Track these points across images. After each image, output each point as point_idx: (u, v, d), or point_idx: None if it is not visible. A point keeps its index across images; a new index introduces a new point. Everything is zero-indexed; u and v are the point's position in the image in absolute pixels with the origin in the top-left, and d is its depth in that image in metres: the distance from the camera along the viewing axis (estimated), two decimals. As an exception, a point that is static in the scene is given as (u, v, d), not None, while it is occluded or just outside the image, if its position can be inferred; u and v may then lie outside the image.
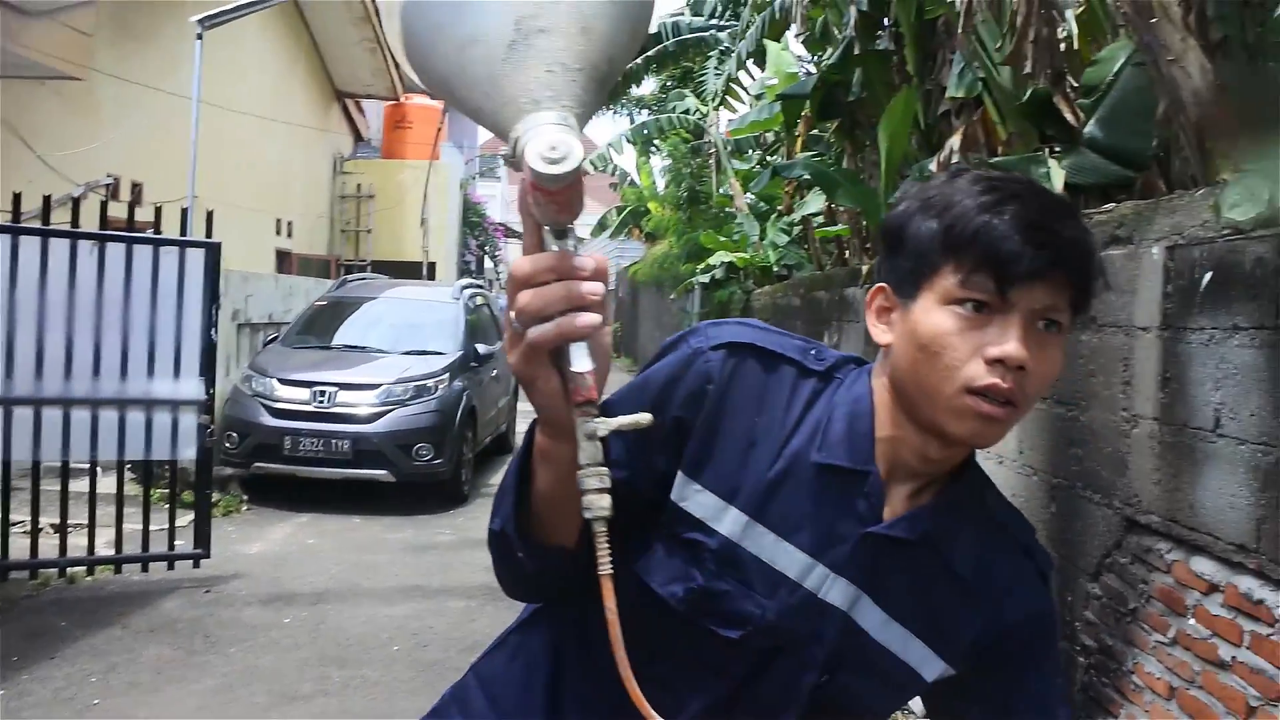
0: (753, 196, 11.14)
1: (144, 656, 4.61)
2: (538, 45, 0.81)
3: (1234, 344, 2.37)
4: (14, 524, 5.45)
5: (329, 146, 17.49)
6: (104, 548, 5.77)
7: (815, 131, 8.06)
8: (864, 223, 6.67)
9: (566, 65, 0.81)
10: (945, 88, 4.79)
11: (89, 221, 5.66)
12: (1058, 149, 3.76)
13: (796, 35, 7.39)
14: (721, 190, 13.49)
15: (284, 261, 15.25)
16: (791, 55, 8.77)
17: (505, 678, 1.23)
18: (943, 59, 5.22)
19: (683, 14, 13.53)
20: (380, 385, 8.05)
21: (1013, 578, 1.16)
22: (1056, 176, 3.47)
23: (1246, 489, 2.31)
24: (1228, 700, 2.37)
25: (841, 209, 7.32)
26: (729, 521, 1.08)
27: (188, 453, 5.74)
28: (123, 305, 5.42)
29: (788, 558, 1.08)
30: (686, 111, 14.12)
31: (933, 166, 4.59)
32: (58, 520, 5.57)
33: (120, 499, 5.69)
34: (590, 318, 0.82)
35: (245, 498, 7.95)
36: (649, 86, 17.58)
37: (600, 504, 0.85)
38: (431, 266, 17.75)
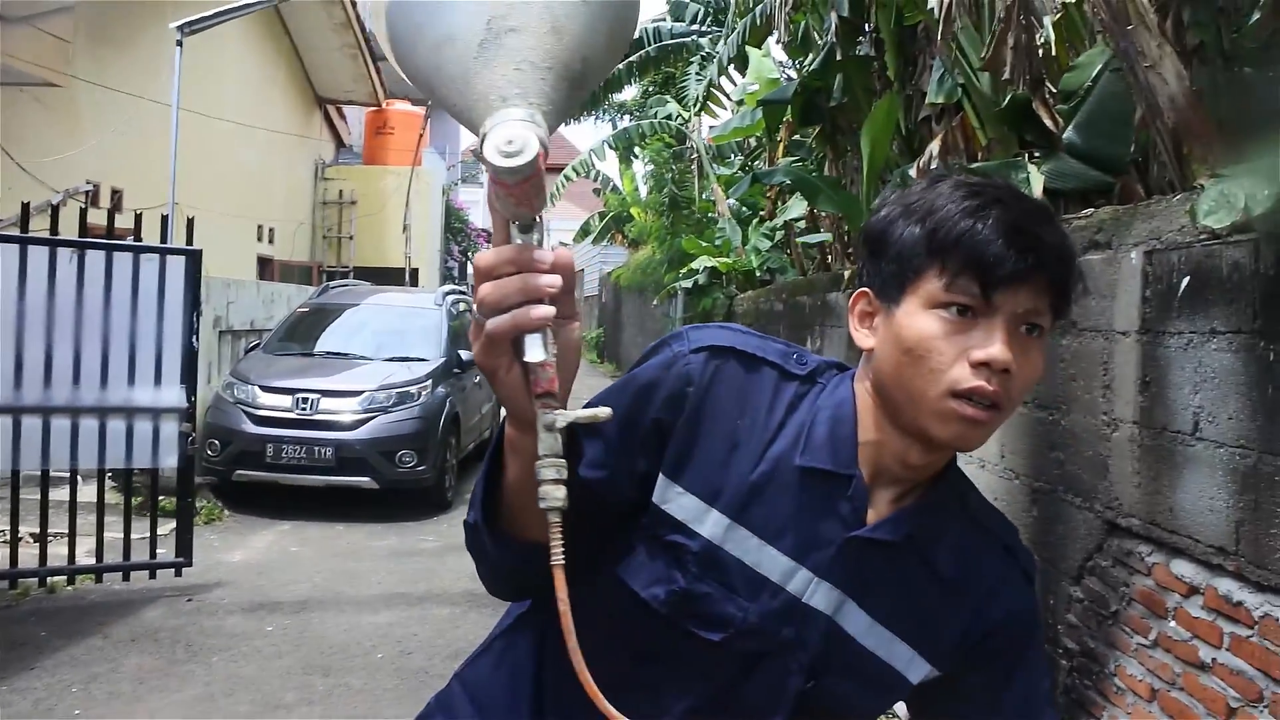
0: (735, 202, 11.16)
1: (125, 666, 4.58)
2: (507, 44, 0.83)
3: (1212, 348, 2.39)
4: (-7, 534, 5.42)
5: (310, 153, 17.45)
6: (85, 556, 5.73)
7: (797, 137, 8.09)
8: (845, 228, 6.69)
9: (535, 64, 0.83)
10: (925, 93, 4.81)
11: (68, 229, 5.64)
12: (1037, 154, 3.79)
13: (778, 41, 7.41)
14: (704, 195, 13.51)
15: (266, 268, 15.20)
16: (773, 61, 8.80)
17: (490, 683, 1.23)
18: (923, 65, 5.25)
19: (664, 19, 13.56)
20: (363, 392, 8.02)
21: (996, 578, 1.16)
22: (1036, 182, 3.49)
23: (1225, 492, 2.33)
24: (1208, 702, 2.39)
25: (823, 214, 7.35)
26: (710, 524, 1.08)
27: (169, 461, 5.71)
28: (103, 313, 5.39)
29: (770, 561, 1.08)
30: (669, 117, 14.15)
31: (913, 172, 4.61)
32: (38, 529, 5.52)
33: (101, 507, 5.66)
34: (544, 310, 0.83)
35: (221, 505, 7.90)
36: (631, 92, 17.64)
37: (555, 494, 0.85)
38: (414, 272, 17.72)
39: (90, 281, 5.35)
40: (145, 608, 5.42)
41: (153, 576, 5.81)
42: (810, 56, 6.66)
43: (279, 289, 10.81)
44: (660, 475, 1.09)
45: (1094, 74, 3.48)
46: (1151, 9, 2.90)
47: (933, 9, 4.24)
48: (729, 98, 12.03)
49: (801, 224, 8.51)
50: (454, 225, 22.03)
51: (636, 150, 15.11)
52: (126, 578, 5.77)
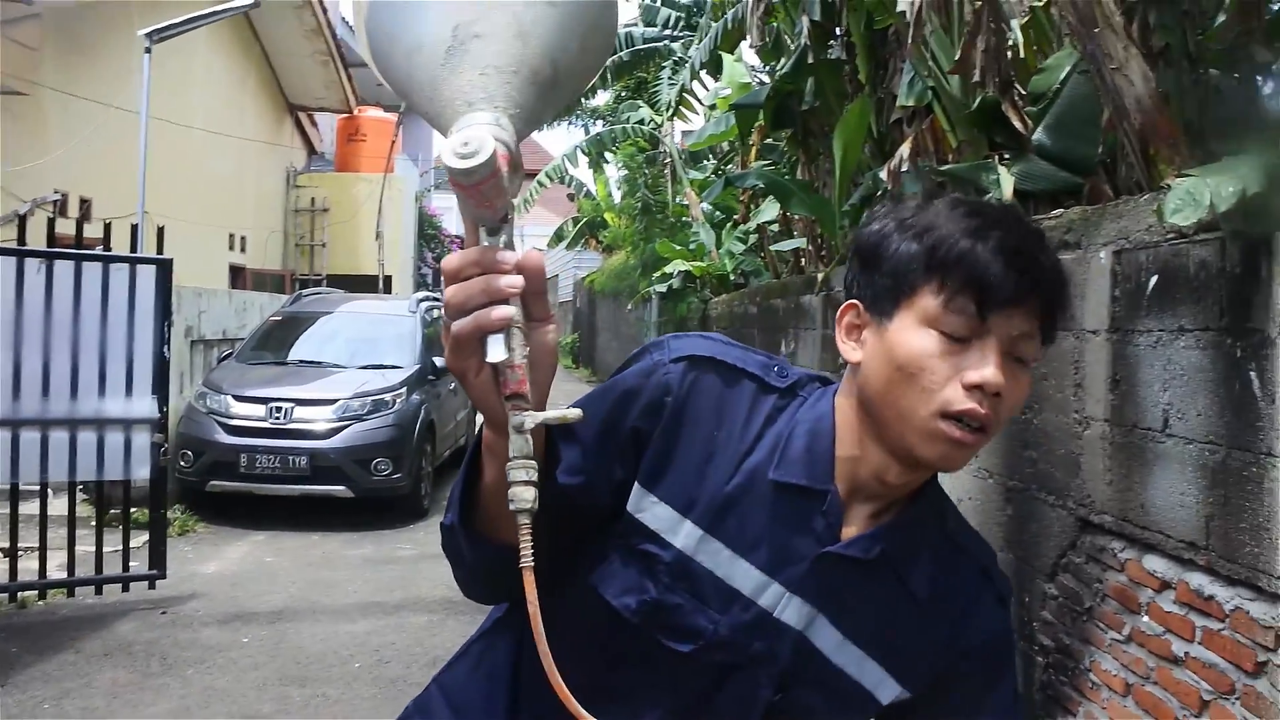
0: (708, 206, 11.19)
1: (98, 681, 4.54)
2: (473, 50, 0.84)
3: (1180, 345, 2.42)
4: (-38, 548, 5.35)
5: (282, 160, 17.36)
6: (56, 570, 5.67)
7: (769, 141, 8.12)
8: (818, 231, 6.72)
9: (500, 68, 0.84)
10: (896, 96, 4.84)
11: (36, 239, 5.58)
12: (1007, 156, 3.81)
13: (751, 46, 7.44)
14: (677, 200, 13.54)
15: (237, 277, 15.11)
16: (745, 66, 8.82)
17: (468, 687, 1.23)
18: (894, 68, 5.28)
19: (635, 24, 13.58)
20: (337, 400, 7.99)
21: (970, 601, 1.16)
22: (1006, 183, 3.52)
23: (1195, 487, 2.35)
24: (1182, 695, 2.41)
25: (796, 217, 7.38)
26: (684, 535, 1.08)
27: (141, 472, 5.66)
28: (72, 323, 5.34)
29: (742, 574, 1.08)
30: (641, 121, 14.16)
31: (883, 174, 4.64)
32: (7, 544, 5.46)
33: (72, 520, 5.60)
34: (504, 310, 0.83)
35: (194, 516, 7.83)
36: (605, 98, 17.64)
37: (525, 496, 0.85)
38: (388, 280, 17.67)
39: (59, 292, 5.30)
40: (118, 621, 5.37)
41: (126, 590, 5.76)
42: (782, 61, 6.68)
43: (251, 297, 10.74)
44: (635, 484, 1.09)
45: (1062, 76, 3.51)
46: (1117, 12, 2.93)
47: (903, 12, 4.26)
48: (701, 102, 12.06)
49: (775, 227, 8.54)
50: (427, 232, 21.97)
51: (608, 155, 15.12)
52: (99, 591, 5.71)
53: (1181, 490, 2.41)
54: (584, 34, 0.90)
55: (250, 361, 8.66)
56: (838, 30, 5.88)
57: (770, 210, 8.04)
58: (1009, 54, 3.98)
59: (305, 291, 10.89)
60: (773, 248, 8.48)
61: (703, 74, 10.58)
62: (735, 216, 10.42)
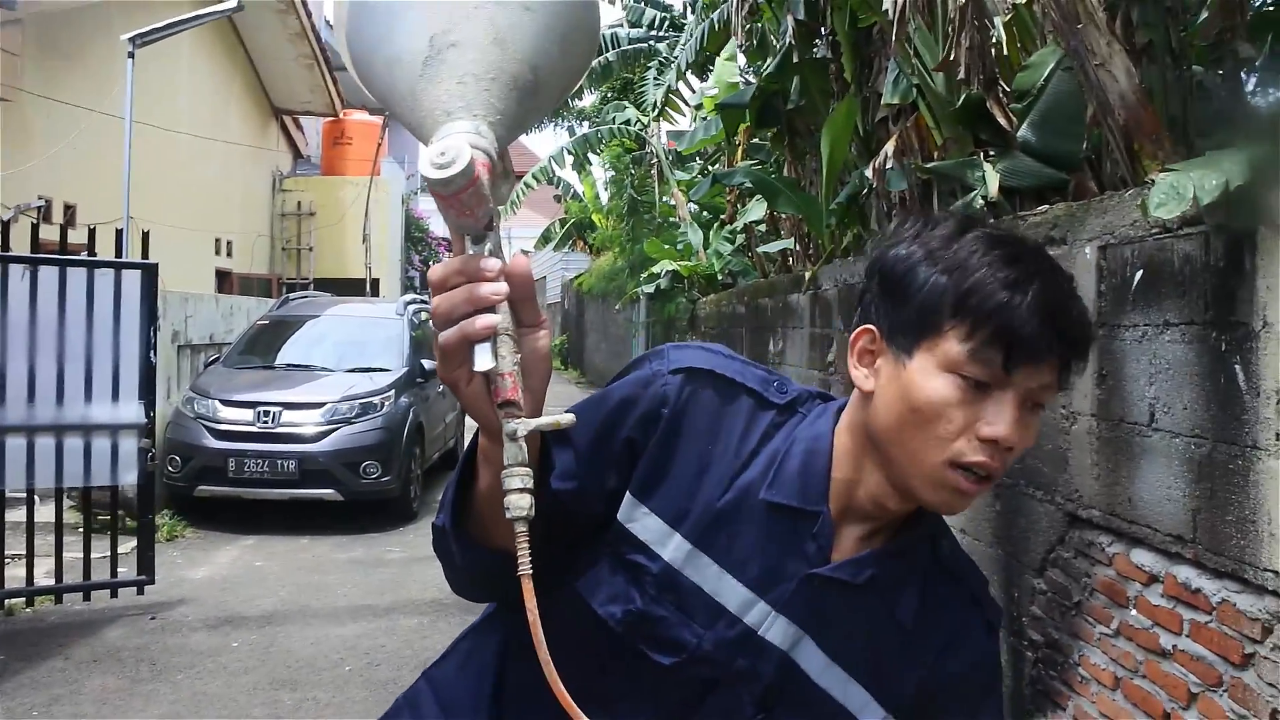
0: (695, 205, 11.20)
1: (87, 687, 4.52)
2: (449, 59, 0.84)
3: (1165, 339, 2.43)
4: (-51, 556, 5.32)
5: (268, 164, 17.31)
6: (43, 578, 5.65)
7: (756, 140, 8.13)
8: (805, 229, 6.73)
9: (478, 76, 0.84)
10: (881, 94, 4.85)
11: (20, 245, 5.55)
12: (992, 153, 3.83)
13: (739, 46, 7.45)
14: (664, 200, 13.54)
15: (224, 281, 15.06)
16: (737, 66, 8.83)
17: (456, 683, 1.23)
18: (879, 66, 5.29)
19: (621, 25, 13.59)
20: (325, 404, 7.96)
21: (958, 628, 1.15)
22: (991, 180, 3.53)
23: (1182, 481, 2.36)
24: (1170, 688, 2.43)
25: (783, 215, 7.39)
26: (673, 547, 1.07)
27: (129, 478, 5.64)
28: (58, 329, 5.31)
29: (730, 590, 1.07)
30: (627, 122, 14.16)
31: (868, 172, 4.65)
32: (-5, 551, 5.43)
33: (59, 527, 5.58)
34: (488, 318, 0.82)
35: (183, 521, 7.80)
36: (591, 99, 17.65)
37: (520, 504, 0.85)
38: (375, 283, 17.63)
39: (44, 298, 5.27)
40: (107, 627, 5.34)
41: (114, 596, 5.73)
42: (767, 60, 6.69)
43: (238, 302, 10.71)
44: (627, 494, 1.08)
45: (1046, 73, 3.53)
46: (1100, 8, 2.94)
47: (886, 10, 4.28)
48: (687, 103, 12.07)
49: (762, 227, 8.55)
50: (414, 235, 21.93)
51: (591, 156, 15.12)
52: (87, 598, 5.68)
53: (1168, 484, 2.42)
54: (564, 37, 0.89)
55: (237, 366, 8.63)
56: (823, 29, 5.90)
57: (757, 210, 8.05)
58: (993, 51, 4.00)
59: (292, 295, 10.85)
60: (760, 248, 8.49)
61: (689, 75, 10.59)
62: (723, 216, 10.43)
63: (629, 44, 13.15)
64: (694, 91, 12.18)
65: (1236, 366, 2.16)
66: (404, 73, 0.85)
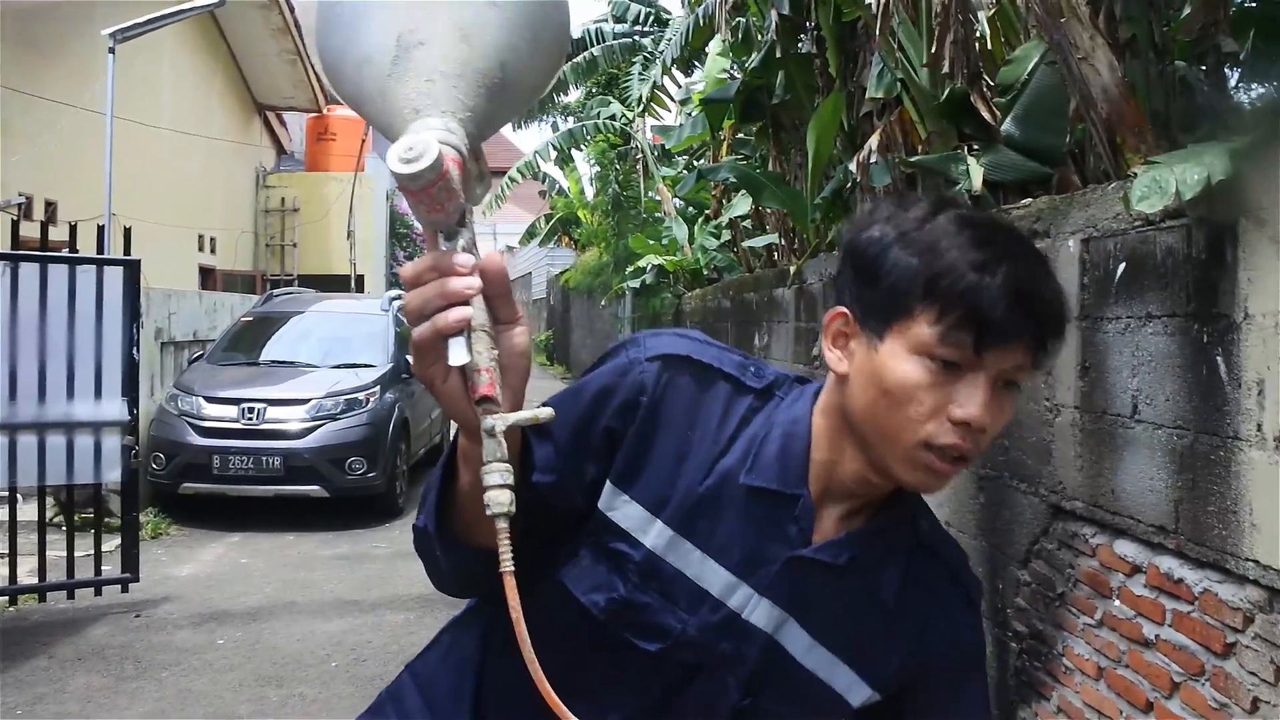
0: (680, 200, 11.20)
1: (72, 686, 4.50)
2: (417, 57, 0.85)
3: (1148, 332, 2.44)
4: (-69, 555, 5.29)
5: (251, 160, 17.24)
6: (27, 576, 5.62)
7: (741, 135, 8.13)
8: (790, 224, 6.74)
9: (445, 73, 0.84)
10: (866, 89, 4.86)
11: (0, 242, 5.51)
12: (976, 147, 3.84)
13: (723, 41, 7.45)
14: (649, 195, 13.54)
15: (208, 278, 15.00)
16: (728, 60, 8.84)
17: (438, 676, 1.23)
18: (863, 61, 5.30)
19: (605, 20, 13.57)
20: (310, 400, 7.94)
21: (940, 606, 1.16)
22: (975, 174, 3.54)
23: (1164, 472, 2.38)
24: (1153, 677, 2.44)
25: (768, 210, 7.40)
26: (654, 534, 1.07)
27: (112, 475, 5.61)
28: (39, 326, 5.28)
29: (713, 575, 1.07)
30: (612, 117, 14.15)
31: (853, 166, 4.66)
32: (-23, 549, 5.41)
33: (43, 525, 5.55)
34: (460, 312, 0.82)
35: (168, 518, 7.77)
36: (576, 95, 17.62)
37: (501, 500, 0.85)
38: (360, 279, 17.57)
39: (25, 295, 5.24)
40: (91, 626, 5.32)
41: (98, 594, 5.71)
42: (752, 55, 6.70)
43: (222, 298, 10.66)
44: (608, 483, 1.08)
45: (1030, 67, 3.54)
46: (1083, 3, 2.95)
47: (870, 5, 4.29)
48: (673, 98, 12.08)
49: (747, 222, 8.56)
50: (399, 230, 21.86)
51: (575, 152, 15.11)
52: (71, 596, 5.65)
53: (1151, 475, 2.43)
54: (532, 34, 0.89)
55: (222, 363, 8.60)
56: (807, 24, 5.91)
57: (742, 205, 8.06)
58: (977, 45, 4.01)
59: (276, 292, 10.81)
60: (745, 243, 8.50)
61: (674, 70, 10.59)
62: (707, 211, 10.44)
63: (614, 39, 13.13)
64: (679, 86, 12.18)
65: (1218, 358, 2.17)
66: (373, 73, 0.86)
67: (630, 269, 11.78)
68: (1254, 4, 3.45)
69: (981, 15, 4.05)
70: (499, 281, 0.85)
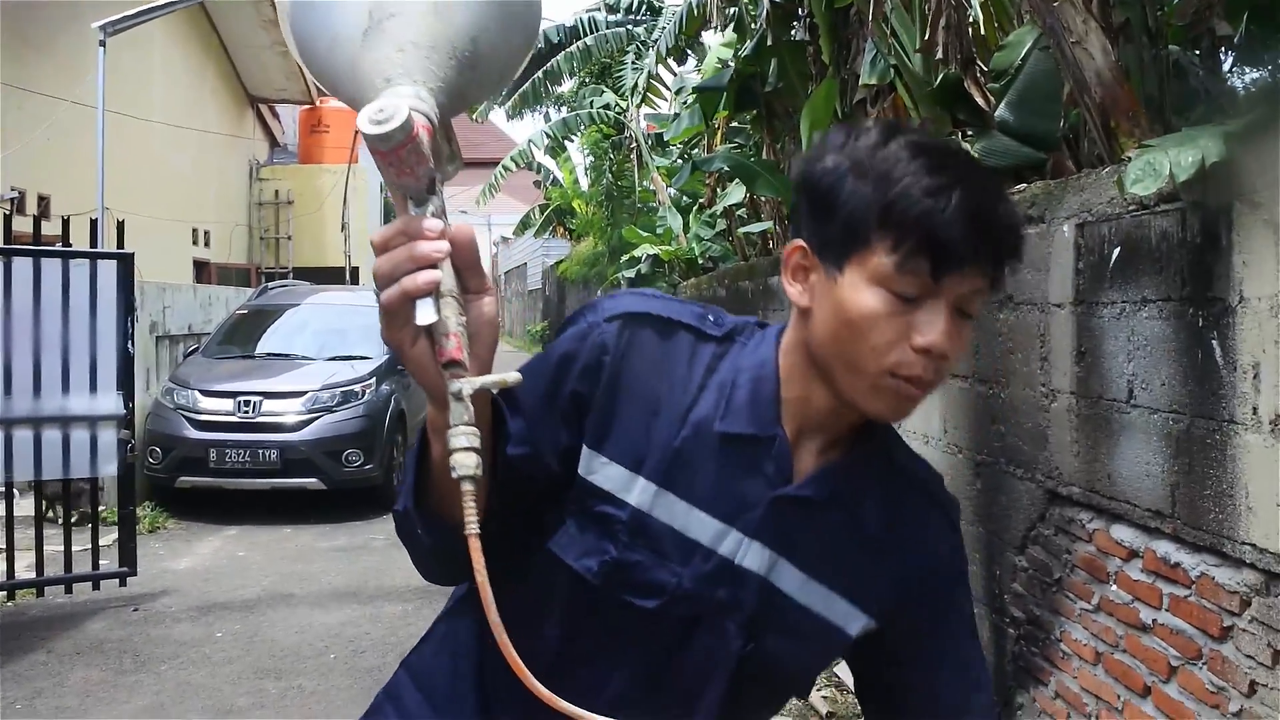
0: (675, 190, 11.19)
1: (70, 680, 4.50)
2: (388, 29, 0.86)
3: (1143, 316, 2.44)
4: (-73, 551, 5.28)
5: (244, 153, 17.20)
6: (24, 571, 5.61)
7: (735, 124, 8.11)
8: (785, 212, 6.73)
9: (417, 44, 0.86)
10: (859, 76, 4.85)
11: (-7, 237, 5.50)
12: (970, 132, 3.83)
13: (714, 29, 7.44)
14: (643, 184, 13.52)
15: (202, 271, 14.97)
16: (729, 52, 8.83)
17: (435, 668, 1.23)
18: (856, 47, 5.29)
19: (599, 9, 13.53)
20: (306, 392, 7.93)
21: (922, 526, 1.18)
22: (969, 160, 3.53)
23: (1160, 456, 2.38)
24: (1150, 662, 2.45)
25: (763, 199, 7.39)
26: (637, 492, 1.08)
27: (108, 469, 5.60)
28: (33, 321, 5.26)
29: (700, 525, 1.08)
30: (606, 107, 14.12)
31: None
32: (-26, 545, 5.40)
33: (39, 519, 5.54)
34: (429, 274, 0.83)
35: (165, 512, 7.77)
36: (570, 85, 17.59)
37: (467, 463, 0.85)
38: (354, 271, 17.54)
39: (18, 290, 5.22)
40: (89, 620, 5.32)
41: (96, 588, 5.70)
42: (744, 43, 6.68)
43: (216, 292, 10.64)
44: (584, 447, 1.08)
45: (1023, 53, 3.53)
46: (1076, -14, 2.94)
47: (863, -9, 4.28)
48: (668, 88, 12.06)
49: (742, 211, 8.55)
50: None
51: (567, 140, 15.07)
52: (69, 590, 5.65)
53: (1147, 460, 2.44)
54: (504, 9, 0.91)
55: (217, 356, 8.58)
56: (800, 11, 5.89)
57: (737, 193, 8.05)
58: (970, 31, 4.00)
59: (271, 284, 10.79)
60: (740, 231, 8.48)
61: (669, 59, 10.57)
62: (702, 200, 10.43)
63: (607, 28, 13.10)
64: (674, 75, 12.16)
65: (1214, 342, 2.17)
66: (345, 47, 0.87)
67: (625, 259, 11.77)
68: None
69: (975, 0, 4.04)
70: (468, 250, 0.86)
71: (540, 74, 13.59)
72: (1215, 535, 2.18)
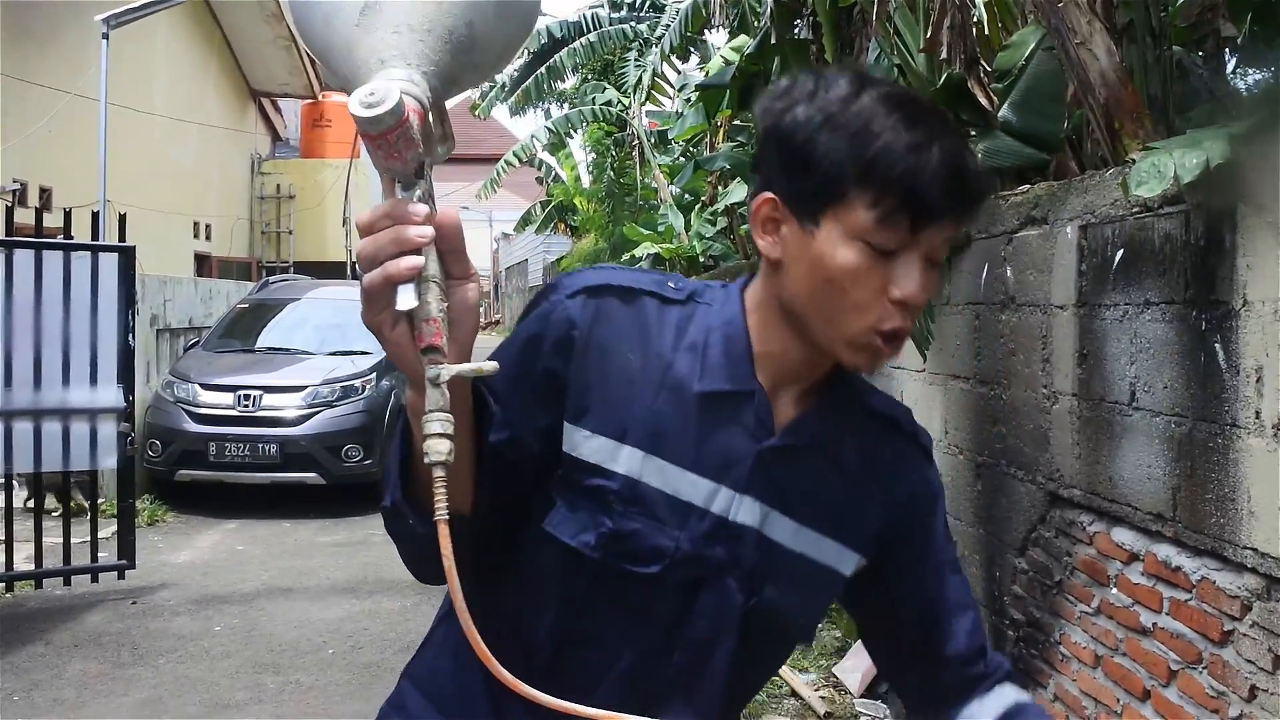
0: (676, 188, 11.18)
1: (68, 672, 4.50)
2: (386, 10, 0.86)
3: (1146, 319, 2.44)
4: (-74, 542, 5.28)
5: (246, 147, 17.18)
6: (23, 563, 5.61)
7: (738, 122, 8.10)
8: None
9: (413, 26, 0.86)
10: (863, 75, 4.83)
11: (-5, 229, 5.49)
12: (973, 132, 3.82)
13: (717, 27, 7.43)
14: (645, 182, 13.51)
15: (203, 265, 14.97)
16: (734, 53, 8.81)
17: (438, 671, 1.22)
18: (860, 46, 5.28)
19: (601, 5, 13.52)
20: (306, 387, 7.93)
21: (898, 460, 1.21)
22: (973, 160, 3.53)
23: (1162, 459, 2.37)
24: (1150, 665, 2.44)
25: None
26: (625, 460, 1.08)
27: (108, 462, 5.59)
28: (34, 313, 5.26)
29: (691, 486, 1.09)
30: (608, 104, 14.10)
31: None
32: (-27, 537, 5.39)
33: (39, 511, 5.54)
34: (413, 260, 0.83)
35: (164, 505, 7.77)
36: (573, 81, 17.58)
37: (439, 449, 0.86)
38: (355, 266, 17.45)
39: (19, 282, 5.22)
40: (88, 612, 5.32)
41: (95, 580, 5.70)
42: (747, 41, 6.67)
43: (217, 285, 10.63)
44: (565, 424, 1.08)
45: (1027, 53, 3.53)
46: (1081, -13, 2.93)
47: (867, -10, 4.26)
48: (672, 85, 12.04)
49: (744, 209, 8.53)
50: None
51: (568, 136, 15.05)
52: (68, 582, 5.65)
53: (1149, 463, 2.43)
54: None
55: (217, 349, 8.58)
56: (803, 9, 5.88)
57: (739, 192, 8.04)
58: (974, 31, 3.99)
59: (272, 279, 10.79)
60: (742, 229, 8.48)
61: (672, 57, 10.55)
62: (704, 198, 10.42)
63: (610, 24, 13.08)
64: (679, 73, 12.15)
65: (1217, 345, 2.17)
66: (341, 24, 0.87)
67: (626, 256, 11.76)
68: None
69: (979, 0, 4.02)
70: (453, 236, 0.86)
71: (543, 70, 13.58)
72: (1216, 539, 2.18)
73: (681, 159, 11.48)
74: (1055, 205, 2.90)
